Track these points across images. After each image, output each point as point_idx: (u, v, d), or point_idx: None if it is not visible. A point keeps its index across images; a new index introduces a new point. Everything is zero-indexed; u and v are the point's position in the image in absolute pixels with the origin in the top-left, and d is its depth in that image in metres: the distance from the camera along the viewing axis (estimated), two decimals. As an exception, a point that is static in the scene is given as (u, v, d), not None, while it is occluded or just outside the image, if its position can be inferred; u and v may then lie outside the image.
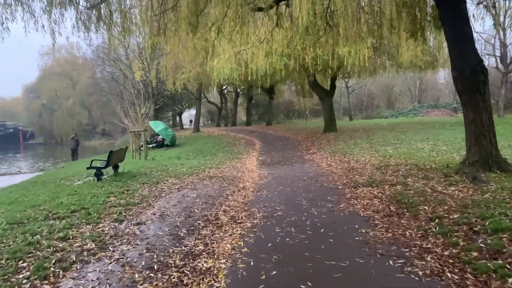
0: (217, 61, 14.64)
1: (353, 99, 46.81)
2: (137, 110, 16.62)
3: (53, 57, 65.80)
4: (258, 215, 6.31)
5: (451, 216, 5.25)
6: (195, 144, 22.42)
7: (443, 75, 47.53)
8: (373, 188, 7.84)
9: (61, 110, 63.12)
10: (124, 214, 6.41)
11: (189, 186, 8.98)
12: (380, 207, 6.39)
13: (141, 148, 16.69)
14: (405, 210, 6.02)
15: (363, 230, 5.25)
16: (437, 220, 5.23)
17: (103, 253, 4.55)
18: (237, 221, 5.98)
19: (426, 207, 5.88)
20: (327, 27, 10.22)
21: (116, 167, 11.90)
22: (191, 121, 50.33)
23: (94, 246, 4.76)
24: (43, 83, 63.35)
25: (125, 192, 8.32)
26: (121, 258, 4.42)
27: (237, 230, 5.47)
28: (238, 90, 43.76)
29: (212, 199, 7.58)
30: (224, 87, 44.96)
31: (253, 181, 9.80)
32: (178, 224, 5.84)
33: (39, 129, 68.76)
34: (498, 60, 26.97)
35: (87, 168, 10.60)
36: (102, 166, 10.47)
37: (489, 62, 30.01)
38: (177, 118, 52.63)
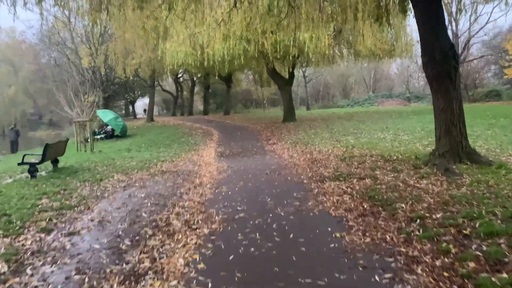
0: (170, 44, 13.40)
1: (309, 89, 46.75)
2: (81, 98, 15.09)
3: (-9, 42, 61.03)
4: (217, 218, 5.48)
5: (433, 216, 4.70)
6: (148, 135, 21.07)
7: (396, 65, 48.61)
8: (340, 182, 7.25)
9: (2, 99, 58.47)
10: (55, 221, 5.33)
11: (137, 184, 7.94)
12: (352, 204, 5.77)
13: (87, 140, 15.23)
14: (380, 208, 5.43)
15: (337, 234, 4.58)
16: (418, 220, 4.66)
17: (17, 279, 3.54)
18: (192, 226, 5.11)
19: (403, 205, 5.32)
20: (289, 8, 9.46)
21: (55, 162, 10.59)
22: (145, 110, 48.11)
23: (6, 269, 3.72)
24: (-20, 70, 58.25)
25: (62, 192, 7.17)
26: (40, 285, 3.44)
27: (192, 239, 4.61)
28: (195, 78, 42.27)
29: (164, 199, 6.63)
30: (180, 75, 43.28)
31: (211, 176, 8.94)
32: (120, 233, 4.88)
33: (-22, 120, 63.25)
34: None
35: (19, 164, 9.23)
36: (37, 161, 9.15)
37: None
38: (130, 107, 50.21)
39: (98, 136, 21.58)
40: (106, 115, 21.48)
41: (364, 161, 9.07)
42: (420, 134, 13.48)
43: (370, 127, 16.62)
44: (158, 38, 13.34)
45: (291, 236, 4.64)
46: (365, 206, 5.61)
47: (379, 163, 8.75)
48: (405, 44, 22.30)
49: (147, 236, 4.76)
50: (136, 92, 43.18)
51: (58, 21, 27.88)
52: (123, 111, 53.91)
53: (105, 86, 27.74)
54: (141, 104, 58.86)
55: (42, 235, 4.74)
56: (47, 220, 5.32)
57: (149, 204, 6.31)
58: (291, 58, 16.35)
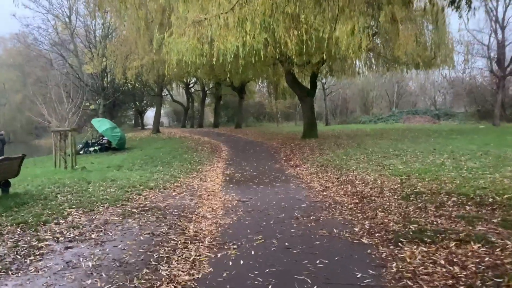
0: (168, 35, 10.56)
1: (327, 103, 43.76)
2: (66, 104, 12.38)
3: (4, 47, 60.00)
4: None
5: None
6: (148, 148, 18.32)
7: (420, 79, 45.21)
8: (429, 248, 4.27)
9: (9, 105, 57.17)
10: None
11: (94, 235, 4.98)
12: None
13: (68, 154, 12.42)
14: None
15: None
16: None
17: None
18: None
19: None
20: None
21: (5, 186, 7.82)
22: (156, 121, 45.71)
23: None
24: (-10, 75, 57.12)
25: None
26: None
27: None
28: (206, 89, 39.72)
29: (124, 277, 3.70)
30: (191, 85, 40.86)
31: (214, 218, 6.02)
32: None
33: (-16, 126, 61.86)
34: (494, 63, 24.39)
35: None
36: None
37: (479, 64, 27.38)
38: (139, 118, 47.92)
39: (92, 148, 18.93)
40: (101, 125, 18.82)
41: (441, 203, 6.08)
42: (487, 159, 10.39)
43: (413, 148, 13.55)
44: (152, 21, 10.58)
45: None
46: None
47: (468, 207, 5.76)
48: (445, 52, 19.31)
49: None
50: (145, 101, 40.92)
51: (59, 21, 25.74)
52: (133, 121, 51.64)
53: (106, 93, 25.21)
54: (152, 114, 56.52)
55: None
56: None
57: (91, 291, 3.39)
58: (324, 59, 13.47)
